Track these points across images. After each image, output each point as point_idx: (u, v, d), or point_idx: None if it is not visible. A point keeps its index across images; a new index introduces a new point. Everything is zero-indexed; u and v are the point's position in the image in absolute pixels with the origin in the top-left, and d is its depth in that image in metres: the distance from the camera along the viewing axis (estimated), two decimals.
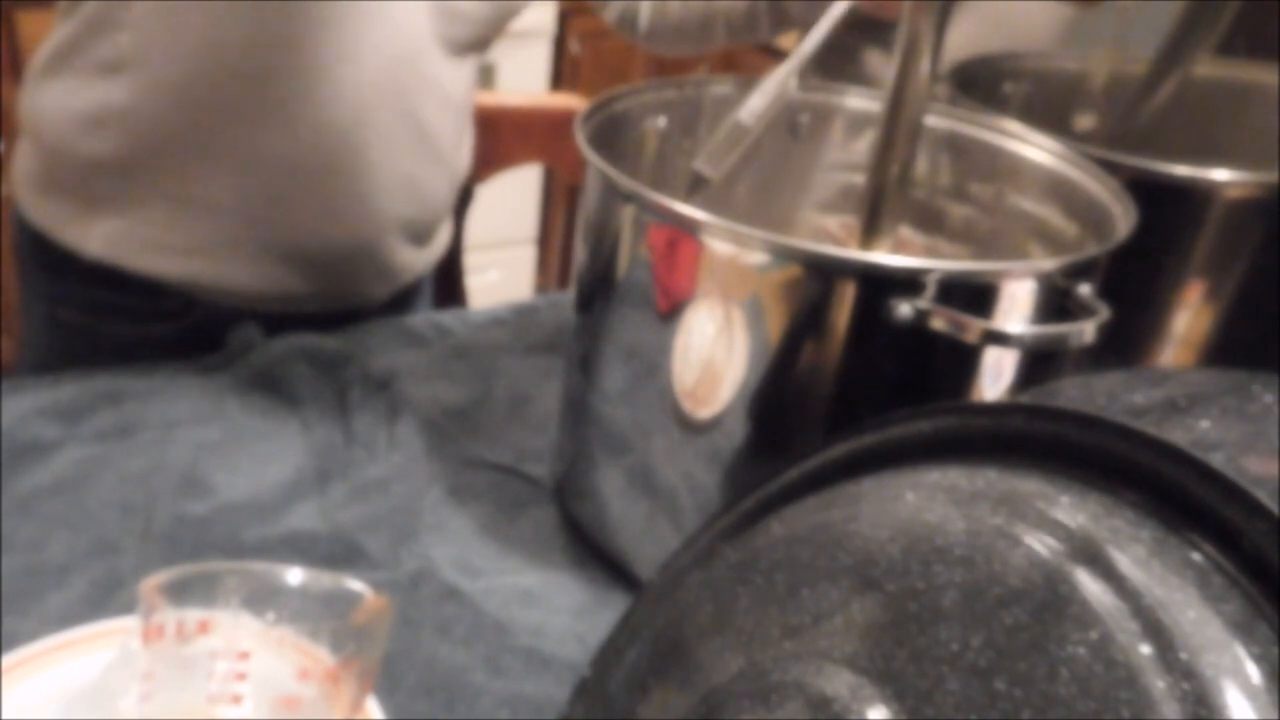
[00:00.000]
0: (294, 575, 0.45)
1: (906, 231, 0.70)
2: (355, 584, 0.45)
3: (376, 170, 0.81)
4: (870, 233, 0.61)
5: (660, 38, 0.93)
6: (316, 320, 0.83)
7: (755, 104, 0.61)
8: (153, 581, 0.43)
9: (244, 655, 0.44)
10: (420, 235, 0.90)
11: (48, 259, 0.83)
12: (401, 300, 0.94)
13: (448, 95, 0.84)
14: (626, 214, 0.56)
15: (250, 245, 0.82)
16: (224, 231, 0.81)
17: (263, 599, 0.44)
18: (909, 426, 0.37)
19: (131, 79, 0.77)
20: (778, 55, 1.92)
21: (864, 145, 0.67)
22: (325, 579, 0.45)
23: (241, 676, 0.44)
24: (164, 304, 0.83)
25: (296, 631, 0.44)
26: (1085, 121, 0.84)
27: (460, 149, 0.91)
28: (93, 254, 0.81)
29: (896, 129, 0.58)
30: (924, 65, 0.57)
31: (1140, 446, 0.29)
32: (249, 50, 0.74)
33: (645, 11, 0.92)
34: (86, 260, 0.81)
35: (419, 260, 0.93)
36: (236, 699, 0.44)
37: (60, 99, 0.80)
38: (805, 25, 0.86)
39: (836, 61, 1.04)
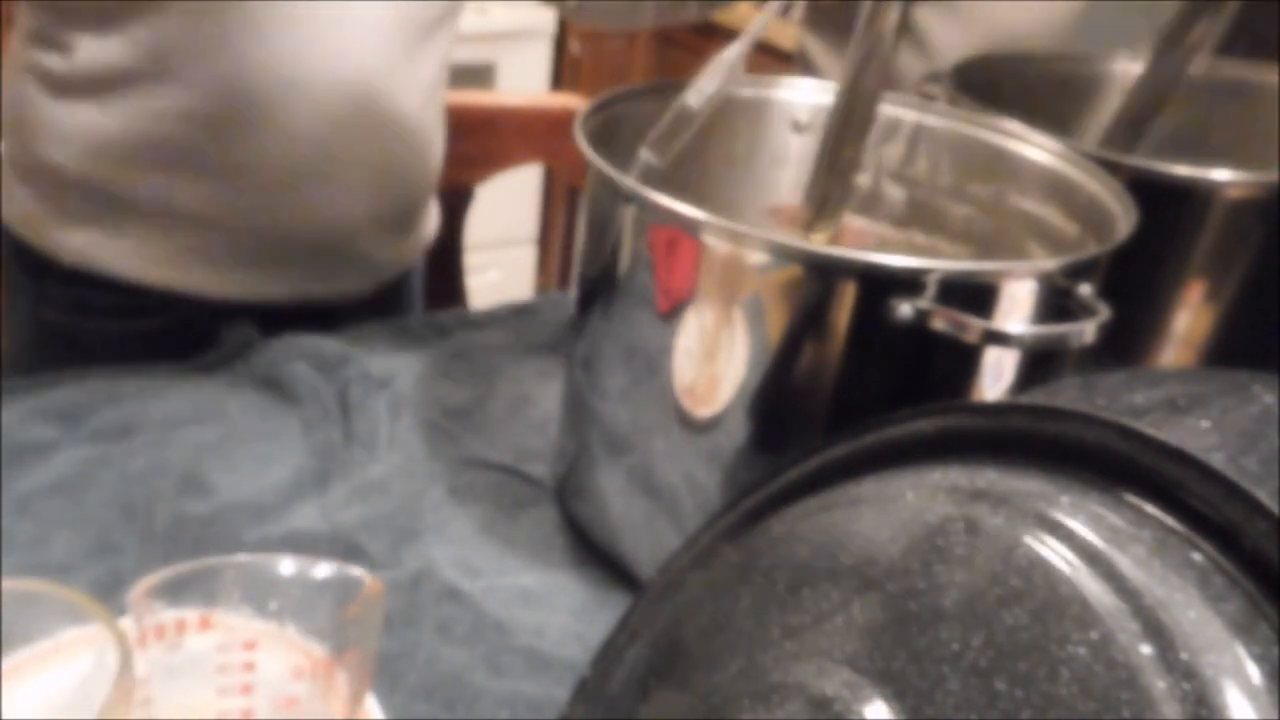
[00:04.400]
0: (287, 565, 0.45)
1: (859, 221, 0.70)
2: (355, 570, 0.45)
3: (345, 166, 0.81)
4: (815, 222, 0.62)
5: (589, 12, 0.93)
6: (303, 315, 0.83)
7: (703, 87, 0.61)
8: (141, 588, 0.42)
9: (250, 645, 0.44)
10: (398, 226, 0.90)
11: (27, 259, 0.83)
12: (388, 295, 0.94)
13: (415, 81, 0.84)
14: (627, 214, 0.56)
15: (223, 252, 0.82)
16: (197, 241, 0.81)
17: (263, 590, 0.44)
18: (909, 426, 0.37)
19: (91, 96, 0.77)
20: (778, 54, 1.91)
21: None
22: (323, 566, 0.45)
23: (250, 666, 0.44)
24: (145, 301, 0.83)
25: (296, 627, 0.44)
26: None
27: (434, 134, 0.90)
28: (68, 261, 0.81)
29: (850, 123, 0.59)
30: (882, 62, 0.58)
31: (1140, 446, 0.29)
32: (208, 62, 0.74)
33: None
34: (64, 263, 0.81)
35: (400, 253, 0.93)
36: (247, 689, 0.44)
37: (27, 110, 0.80)
38: (728, 2, 0.86)
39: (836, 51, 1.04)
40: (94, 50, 0.75)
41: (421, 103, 0.85)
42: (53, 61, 0.77)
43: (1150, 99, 0.79)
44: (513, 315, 0.90)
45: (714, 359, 0.54)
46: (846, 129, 0.59)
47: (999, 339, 0.49)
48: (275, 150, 0.78)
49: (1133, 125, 0.79)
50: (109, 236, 0.80)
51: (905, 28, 0.57)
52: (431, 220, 0.98)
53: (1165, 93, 0.78)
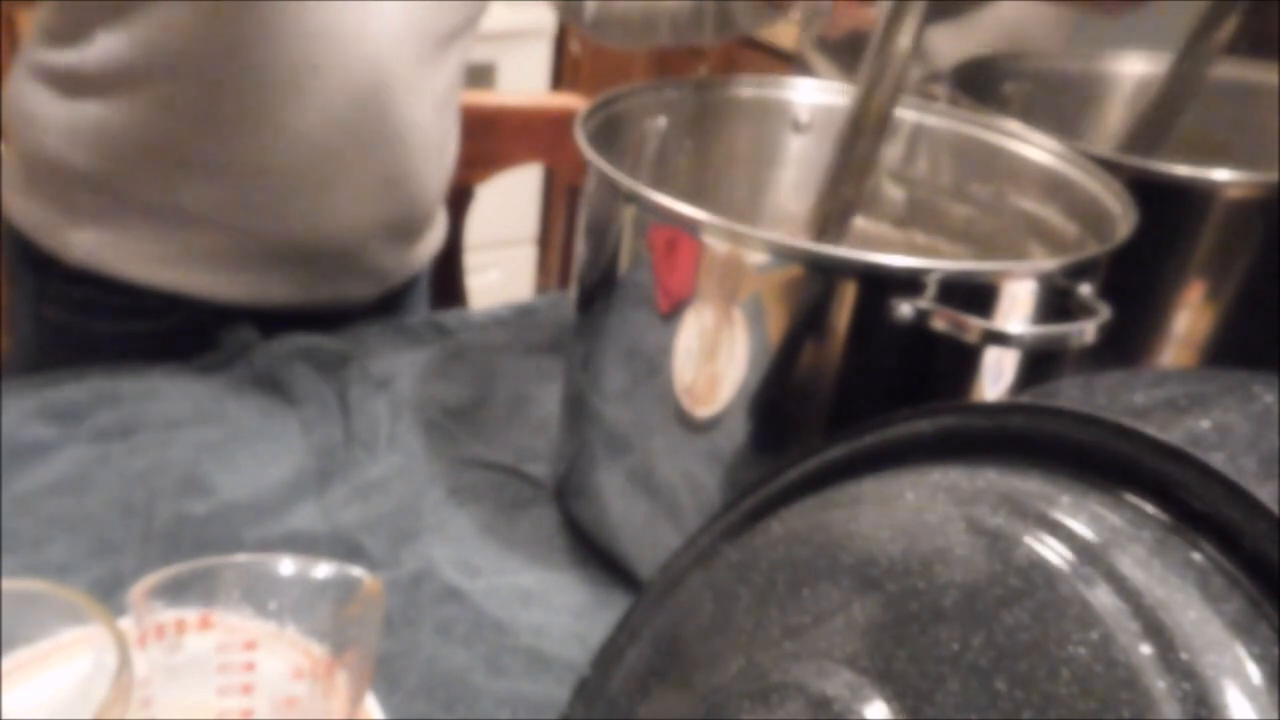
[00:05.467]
0: (287, 565, 0.45)
1: (889, 230, 0.70)
2: (354, 570, 0.45)
3: (355, 173, 0.81)
4: (825, 226, 0.62)
5: (604, 30, 0.94)
6: (306, 319, 0.83)
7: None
8: (142, 587, 0.42)
9: (250, 645, 0.44)
10: (407, 234, 0.90)
11: (32, 258, 0.83)
12: (394, 299, 0.94)
13: (429, 90, 0.83)
14: (627, 214, 0.56)
15: (230, 254, 0.82)
16: (203, 241, 0.81)
17: (263, 590, 0.44)
18: (909, 426, 0.37)
19: (101, 94, 0.77)
20: (779, 55, 1.91)
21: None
22: (323, 566, 0.45)
23: (250, 666, 0.44)
24: (149, 302, 0.83)
25: (296, 627, 0.44)
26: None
27: (447, 143, 0.90)
28: (74, 261, 0.81)
29: (863, 128, 0.59)
30: (900, 66, 0.58)
31: (1140, 446, 0.29)
32: (219, 61, 0.74)
33: (591, 3, 0.93)
34: (69, 262, 0.81)
35: (408, 260, 0.92)
36: (247, 689, 0.44)
37: (35, 109, 0.80)
38: (749, 30, 0.87)
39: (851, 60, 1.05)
40: (109, 46, 0.75)
41: (434, 112, 0.85)
42: (65, 58, 0.77)
43: (1174, 100, 0.79)
44: (513, 315, 0.90)
45: (714, 359, 0.54)
46: (856, 144, 0.59)
47: (999, 339, 0.49)
48: (284, 154, 0.78)
49: (1157, 126, 0.79)
50: (114, 236, 0.80)
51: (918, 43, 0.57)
52: (440, 227, 0.98)
53: (1189, 93, 0.78)
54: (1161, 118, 0.79)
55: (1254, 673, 0.25)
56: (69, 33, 0.77)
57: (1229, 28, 0.75)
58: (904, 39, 0.57)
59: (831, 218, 0.62)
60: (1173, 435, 0.29)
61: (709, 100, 0.70)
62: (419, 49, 0.80)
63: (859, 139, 0.60)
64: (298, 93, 0.76)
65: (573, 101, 1.15)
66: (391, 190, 0.84)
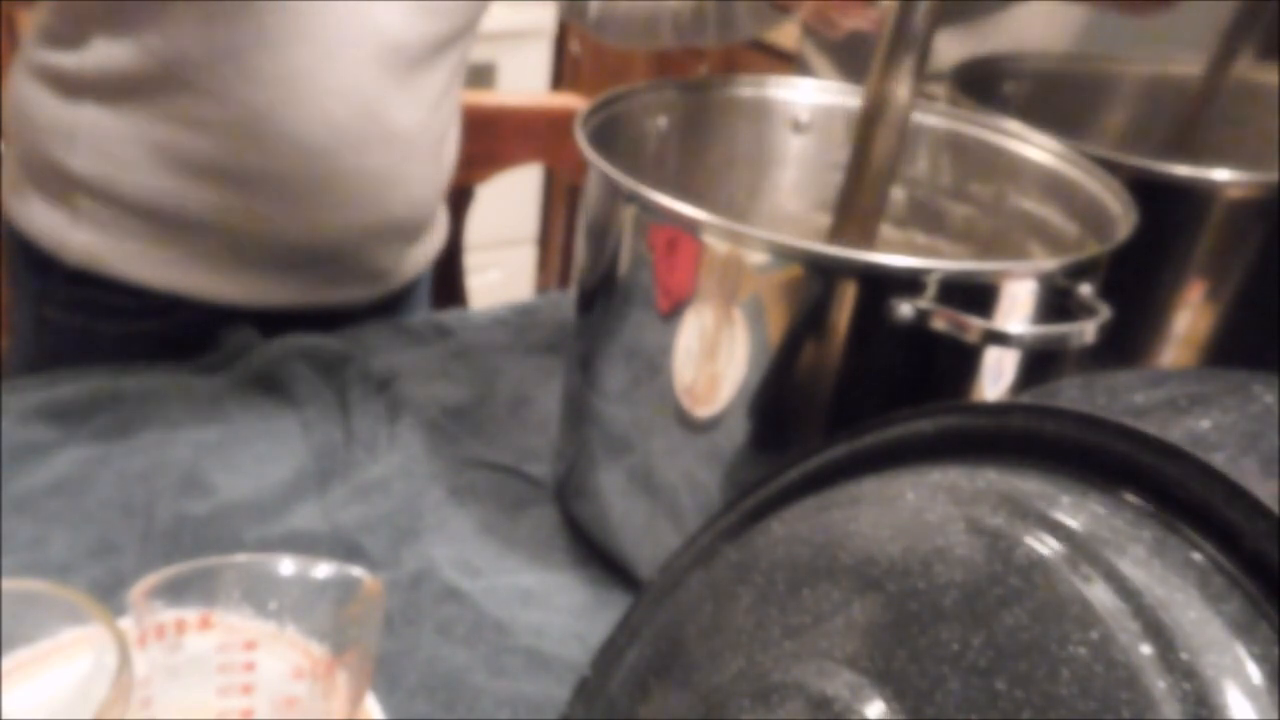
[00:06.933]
0: (287, 565, 0.45)
1: (889, 230, 0.70)
2: (355, 570, 0.45)
3: (351, 176, 0.81)
4: (844, 232, 0.61)
5: (608, 30, 0.95)
6: (306, 319, 0.83)
7: None
8: (142, 587, 0.42)
9: (250, 645, 0.44)
10: (406, 235, 0.90)
11: (32, 258, 0.83)
12: (395, 300, 0.94)
13: (426, 92, 0.83)
14: (627, 214, 0.56)
15: (229, 256, 0.82)
16: (202, 244, 0.81)
17: (263, 590, 0.44)
18: (909, 426, 0.37)
19: (100, 98, 0.77)
20: (779, 56, 1.91)
21: None
22: (323, 566, 0.45)
23: (250, 666, 0.44)
24: (150, 302, 0.83)
25: (296, 627, 0.44)
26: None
27: (445, 144, 0.90)
28: (74, 261, 0.81)
29: (876, 131, 0.59)
30: (910, 66, 0.57)
31: (1141, 446, 0.29)
32: (215, 67, 0.74)
33: (594, 2, 0.93)
34: (69, 263, 0.81)
35: (409, 261, 0.93)
36: (247, 689, 0.44)
37: (35, 109, 0.80)
38: (751, 33, 0.87)
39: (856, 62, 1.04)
40: (106, 52, 0.75)
41: (432, 114, 0.85)
42: (64, 62, 0.77)
43: (1208, 103, 0.79)
44: (513, 315, 0.90)
45: (714, 359, 0.54)
46: (869, 145, 0.59)
47: (999, 339, 0.49)
48: (280, 157, 0.78)
49: (1192, 130, 0.80)
50: (114, 239, 0.80)
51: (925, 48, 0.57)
52: (441, 229, 0.98)
53: (1222, 96, 0.79)
54: (1198, 120, 0.79)
55: (1254, 673, 0.25)
56: (67, 36, 0.77)
57: (1260, 28, 0.75)
58: (917, 36, 0.56)
59: (854, 225, 0.62)
60: (1173, 435, 0.29)
61: (709, 100, 0.70)
62: (415, 52, 0.80)
63: (873, 141, 0.59)
64: (293, 97, 0.76)
65: (573, 101, 1.15)
66: (389, 192, 0.84)
